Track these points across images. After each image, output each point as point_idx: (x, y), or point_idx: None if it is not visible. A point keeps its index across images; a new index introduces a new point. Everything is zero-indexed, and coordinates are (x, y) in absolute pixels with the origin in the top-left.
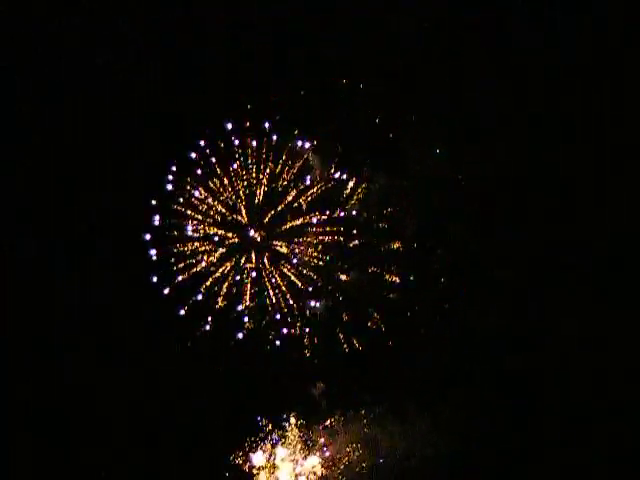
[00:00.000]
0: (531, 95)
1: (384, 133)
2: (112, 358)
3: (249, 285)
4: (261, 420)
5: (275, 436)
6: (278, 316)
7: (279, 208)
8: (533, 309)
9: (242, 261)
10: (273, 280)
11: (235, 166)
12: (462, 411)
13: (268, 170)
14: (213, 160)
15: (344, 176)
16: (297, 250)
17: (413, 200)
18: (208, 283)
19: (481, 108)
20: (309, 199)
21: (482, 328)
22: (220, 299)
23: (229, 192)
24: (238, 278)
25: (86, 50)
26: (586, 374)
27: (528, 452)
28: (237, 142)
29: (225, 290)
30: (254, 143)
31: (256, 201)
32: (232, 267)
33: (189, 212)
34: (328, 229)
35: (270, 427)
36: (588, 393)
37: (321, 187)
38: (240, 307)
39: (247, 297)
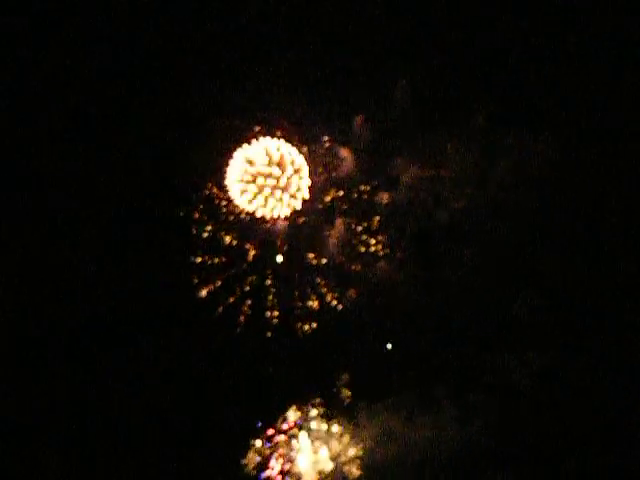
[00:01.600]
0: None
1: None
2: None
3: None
4: (284, 412)
5: (298, 428)
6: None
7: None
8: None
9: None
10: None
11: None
12: (491, 401)
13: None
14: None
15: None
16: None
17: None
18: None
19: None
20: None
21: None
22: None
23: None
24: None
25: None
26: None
27: (559, 441)
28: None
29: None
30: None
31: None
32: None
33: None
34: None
35: (293, 418)
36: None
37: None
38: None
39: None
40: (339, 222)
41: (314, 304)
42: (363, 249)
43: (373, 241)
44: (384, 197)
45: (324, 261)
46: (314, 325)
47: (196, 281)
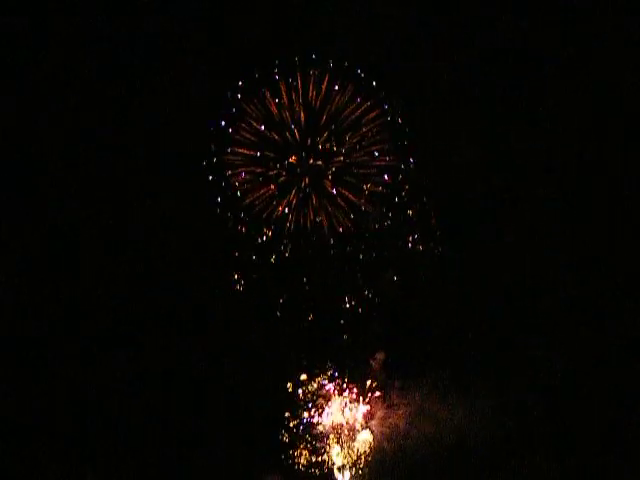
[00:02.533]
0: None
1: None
2: None
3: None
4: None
5: (331, 407)
6: None
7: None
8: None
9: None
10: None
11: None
12: (526, 383)
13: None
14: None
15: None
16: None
17: None
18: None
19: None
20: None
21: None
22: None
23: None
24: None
25: None
26: None
27: (595, 427)
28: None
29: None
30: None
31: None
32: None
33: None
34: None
35: (326, 396)
36: None
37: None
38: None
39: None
40: (374, 214)
41: (350, 298)
42: (399, 241)
43: (409, 232)
44: (420, 187)
45: (360, 255)
46: (351, 317)
47: (234, 275)
